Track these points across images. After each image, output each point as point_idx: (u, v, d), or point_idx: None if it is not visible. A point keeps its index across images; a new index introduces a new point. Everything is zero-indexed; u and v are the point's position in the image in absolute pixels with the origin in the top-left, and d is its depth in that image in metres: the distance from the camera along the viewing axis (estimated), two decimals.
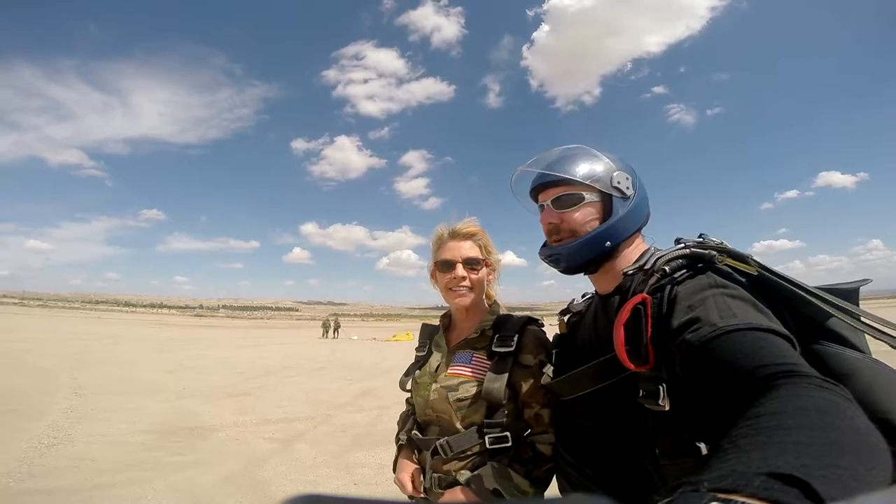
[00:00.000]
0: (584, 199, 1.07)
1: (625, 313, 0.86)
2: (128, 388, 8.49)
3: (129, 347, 17.18)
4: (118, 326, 34.88)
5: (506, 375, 1.24)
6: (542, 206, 1.14)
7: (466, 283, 1.38)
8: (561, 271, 1.13)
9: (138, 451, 4.85)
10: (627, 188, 1.08)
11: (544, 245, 1.14)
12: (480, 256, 1.40)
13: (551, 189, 1.11)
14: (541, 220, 1.14)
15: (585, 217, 1.07)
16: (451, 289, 1.39)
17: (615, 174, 1.09)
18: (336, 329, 34.86)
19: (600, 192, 1.07)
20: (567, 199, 1.08)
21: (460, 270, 1.37)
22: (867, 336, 0.84)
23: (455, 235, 1.42)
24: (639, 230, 1.11)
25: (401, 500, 1.31)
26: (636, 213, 1.09)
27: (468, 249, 1.40)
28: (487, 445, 1.22)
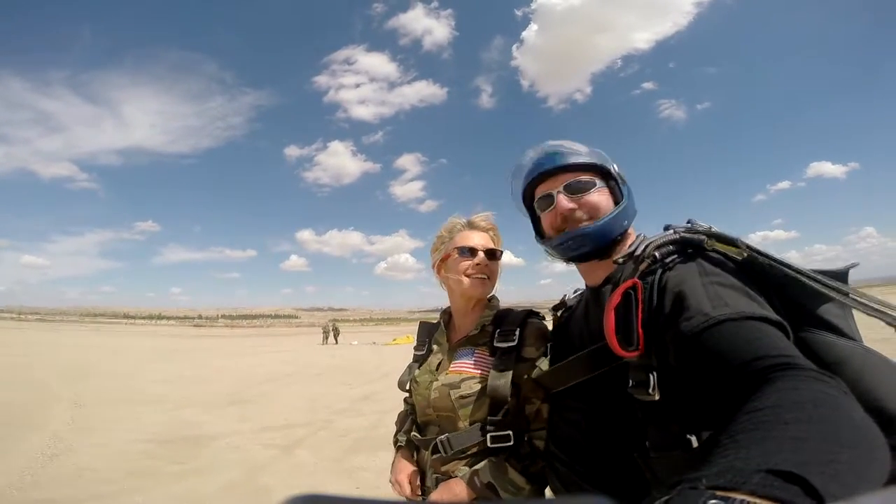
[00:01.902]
0: (596, 184, 1.07)
1: (615, 297, 0.85)
2: (128, 398, 8.46)
3: (129, 358, 17.08)
4: (117, 338, 34.68)
5: (510, 371, 1.21)
6: (546, 197, 1.11)
7: (487, 271, 1.37)
8: (578, 257, 1.10)
9: (139, 461, 4.84)
10: (625, 176, 1.12)
11: (564, 231, 1.08)
12: (498, 250, 1.42)
13: (560, 176, 1.09)
14: (548, 211, 1.11)
15: (603, 200, 1.07)
16: (470, 275, 1.36)
17: (614, 164, 1.12)
18: (336, 335, 34.74)
19: (604, 179, 1.09)
20: (580, 185, 1.07)
21: (483, 257, 1.37)
22: (860, 321, 0.84)
23: (475, 226, 1.43)
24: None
25: (399, 500, 1.30)
26: (633, 200, 1.12)
27: (488, 241, 1.41)
28: (489, 443, 1.19)
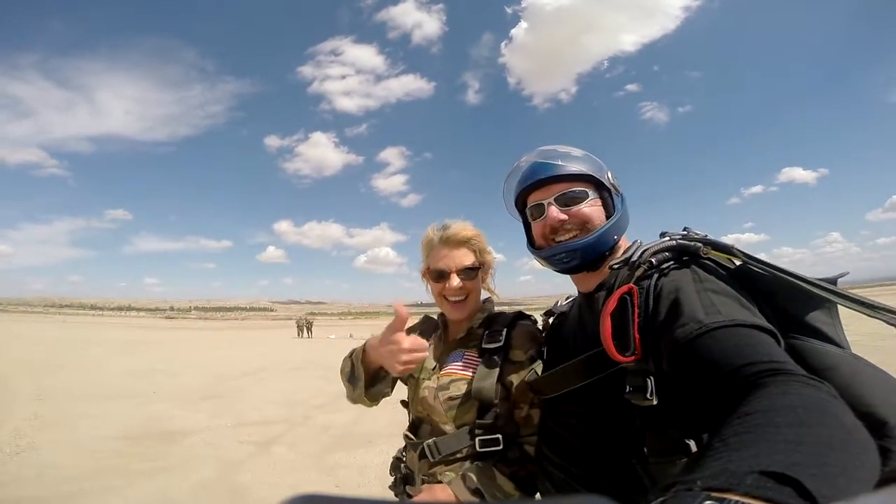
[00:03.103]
0: (588, 195, 1.08)
1: (612, 303, 0.87)
2: (95, 393, 8.16)
3: (96, 351, 16.49)
4: (84, 330, 33.55)
5: (496, 372, 1.19)
6: (538, 206, 1.12)
7: (462, 292, 1.32)
8: (567, 269, 1.11)
9: (108, 458, 4.67)
10: (619, 185, 1.12)
11: (556, 242, 1.09)
12: (477, 264, 1.34)
13: (552, 186, 1.09)
14: (538, 220, 1.12)
15: (594, 213, 1.07)
16: (445, 298, 1.34)
17: (609, 172, 1.12)
18: (309, 328, 34.34)
19: (597, 189, 1.09)
20: (572, 196, 1.08)
21: (455, 281, 1.31)
22: (851, 327, 0.85)
23: (448, 242, 1.34)
24: None
25: (398, 500, 1.28)
26: (627, 209, 1.13)
27: (463, 257, 1.33)
28: (477, 448, 1.16)
